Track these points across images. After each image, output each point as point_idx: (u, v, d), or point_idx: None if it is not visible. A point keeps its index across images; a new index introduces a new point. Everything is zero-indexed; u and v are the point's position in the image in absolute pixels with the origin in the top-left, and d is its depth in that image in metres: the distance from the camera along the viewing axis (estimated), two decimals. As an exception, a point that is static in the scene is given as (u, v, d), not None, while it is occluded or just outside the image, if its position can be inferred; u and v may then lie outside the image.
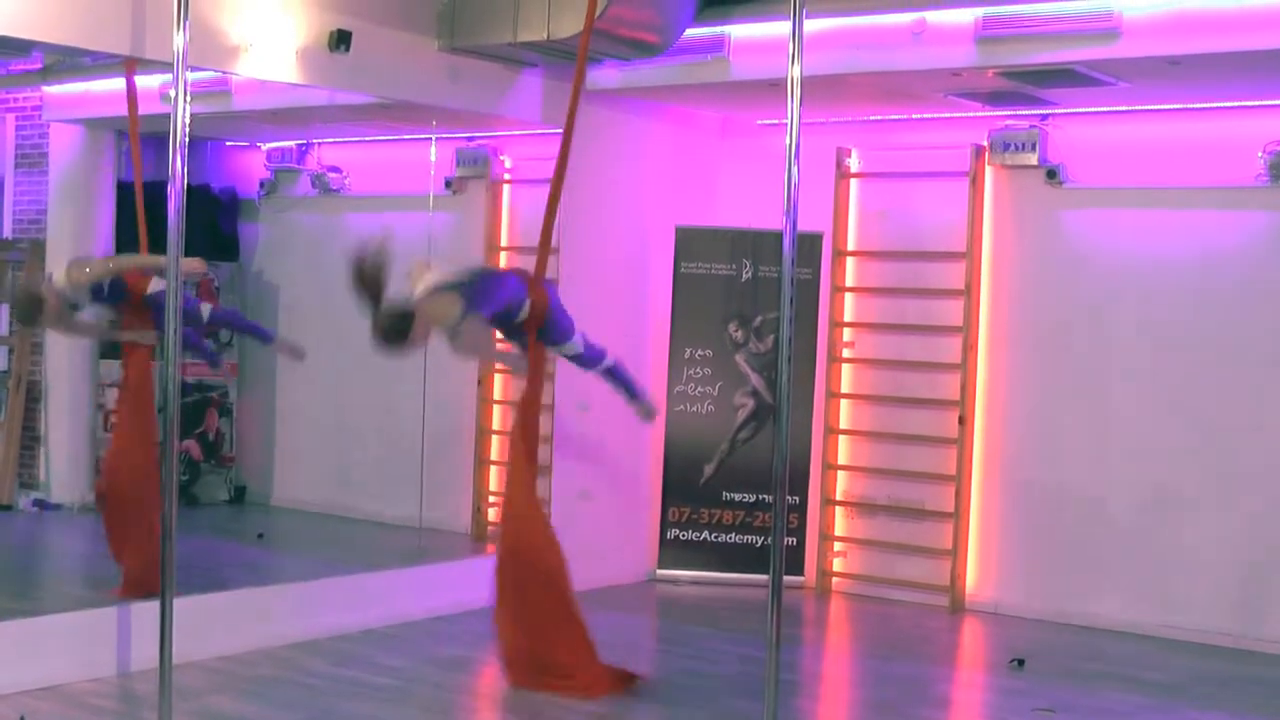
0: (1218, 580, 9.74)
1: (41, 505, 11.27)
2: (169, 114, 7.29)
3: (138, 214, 9.36)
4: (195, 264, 8.93)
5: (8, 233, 11.65)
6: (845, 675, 9.28)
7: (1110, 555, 10.13)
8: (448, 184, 11.41)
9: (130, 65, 9.06)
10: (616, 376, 8.77)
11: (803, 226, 7.26)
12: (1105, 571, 10.14)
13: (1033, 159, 10.32)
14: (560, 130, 10.49)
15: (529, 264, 11.13)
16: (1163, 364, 10.00)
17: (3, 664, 7.64)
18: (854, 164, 11.22)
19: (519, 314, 8.06)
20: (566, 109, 10.38)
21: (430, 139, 11.00)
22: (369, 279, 7.57)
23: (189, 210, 7.40)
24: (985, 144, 10.55)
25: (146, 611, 7.77)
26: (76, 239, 11.06)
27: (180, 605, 7.52)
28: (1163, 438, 9.97)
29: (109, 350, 10.56)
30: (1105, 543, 10.15)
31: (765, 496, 11.11)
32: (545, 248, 8.39)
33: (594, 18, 8.34)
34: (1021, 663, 8.97)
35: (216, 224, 12.26)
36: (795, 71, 6.84)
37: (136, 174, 9.34)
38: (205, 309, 10.34)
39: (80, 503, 11.37)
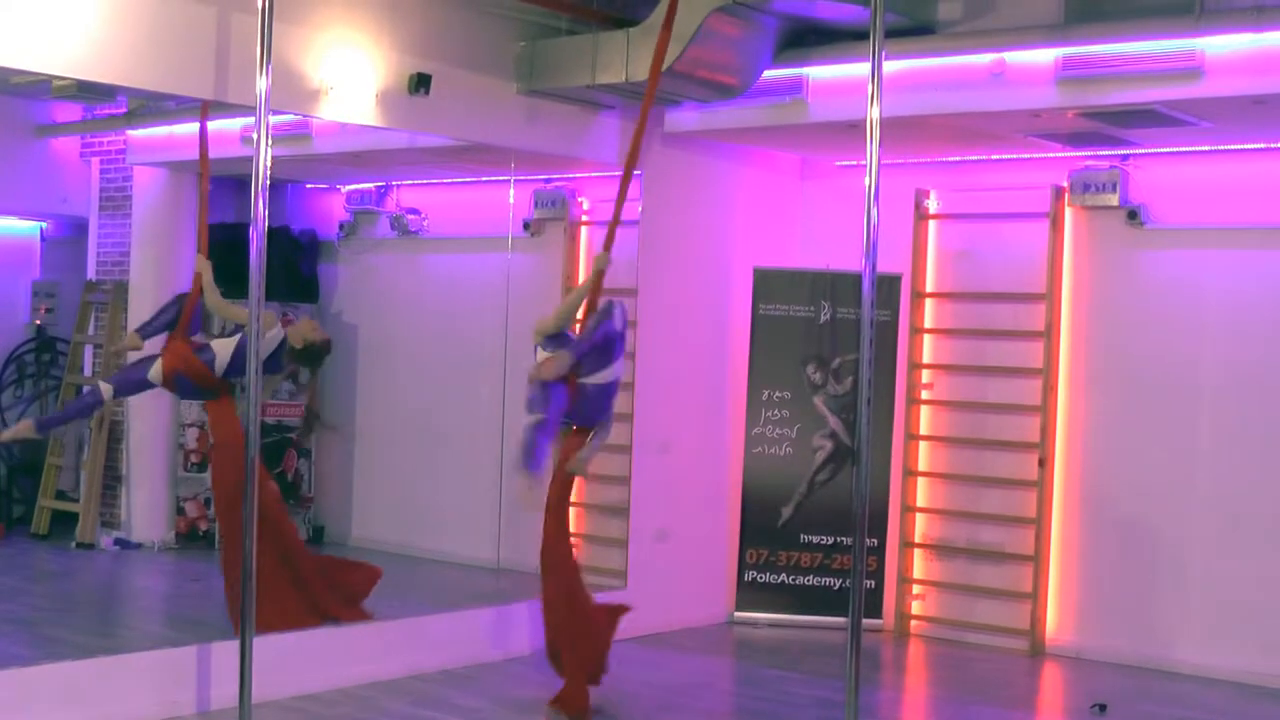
0: (1304, 626, 9.62)
1: (123, 544, 11.38)
2: (250, 157, 7.38)
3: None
4: None
5: (92, 274, 11.81)
6: (923, 719, 9.21)
7: (1194, 599, 10.00)
8: (526, 225, 11.44)
9: (205, 109, 9.16)
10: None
11: (882, 268, 7.25)
12: (1188, 616, 10.02)
13: (1113, 199, 10.25)
14: (639, 171, 10.58)
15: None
16: (1245, 406, 9.88)
17: (85, 701, 7.69)
18: (933, 205, 11.17)
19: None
20: (645, 149, 10.45)
21: (508, 181, 11.05)
22: None
23: (269, 252, 7.50)
24: (1065, 185, 10.49)
25: (226, 650, 7.83)
26: (159, 281, 11.19)
27: (259, 644, 7.58)
28: (1246, 480, 9.85)
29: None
30: (1188, 586, 10.03)
31: (843, 539, 11.05)
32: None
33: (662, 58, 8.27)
34: (1103, 708, 8.86)
35: (296, 266, 12.36)
36: (874, 113, 6.85)
37: (202, 215, 9.37)
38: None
39: (160, 542, 11.47)
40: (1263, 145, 9.74)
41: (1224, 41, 8.12)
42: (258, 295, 7.45)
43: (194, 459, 11.65)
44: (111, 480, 11.58)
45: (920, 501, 11.15)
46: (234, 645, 7.55)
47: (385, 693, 8.69)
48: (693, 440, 11.04)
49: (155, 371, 8.93)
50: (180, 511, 11.65)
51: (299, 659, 8.62)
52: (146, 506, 11.56)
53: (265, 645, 7.84)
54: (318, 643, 8.87)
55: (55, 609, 10.14)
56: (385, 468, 12.47)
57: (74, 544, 11.47)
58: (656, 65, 8.00)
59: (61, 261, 12.37)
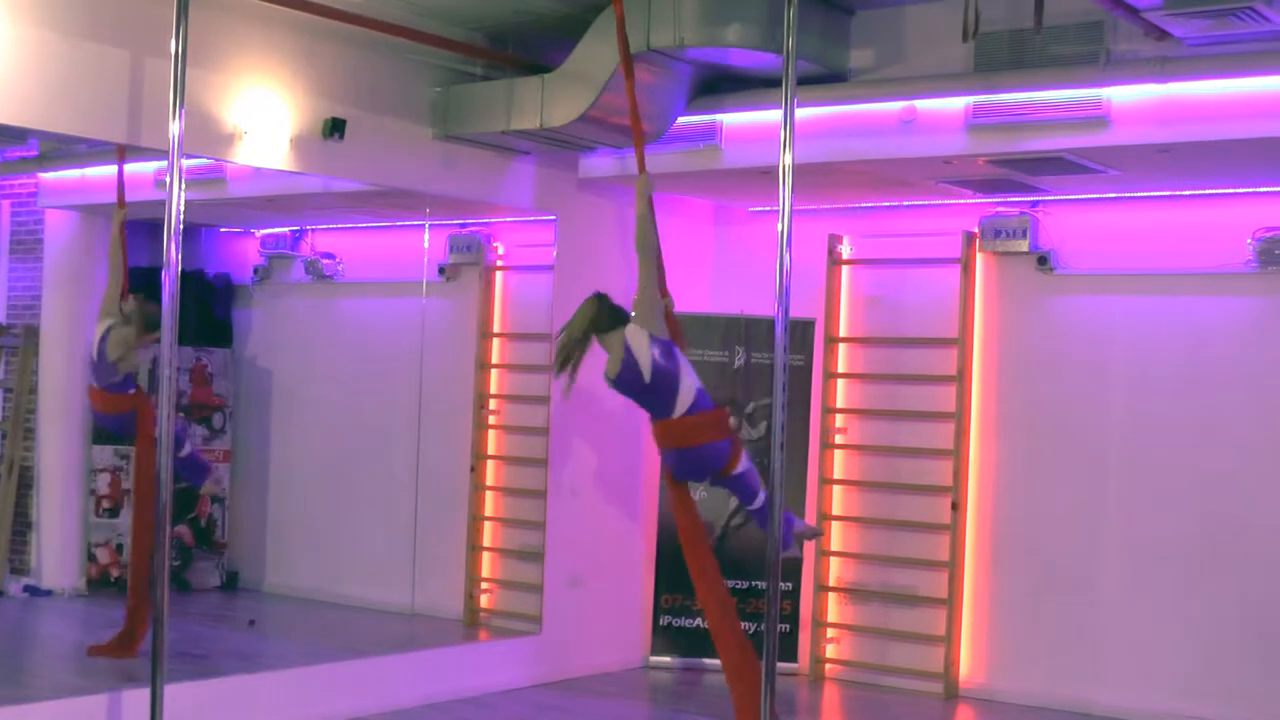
0: (1214, 664, 9.70)
1: (33, 591, 11.23)
2: (164, 200, 7.36)
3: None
4: None
5: (2, 318, 11.67)
6: (839, 763, 9.24)
7: (1105, 640, 10.09)
8: (441, 270, 11.44)
9: (121, 152, 9.11)
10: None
11: (795, 313, 7.32)
12: (1100, 657, 10.11)
13: (1024, 245, 10.37)
14: (554, 217, 10.59)
15: (525, 350, 11.24)
16: (1154, 448, 10.00)
17: (-9, 752, 7.61)
18: (846, 251, 11.27)
19: None
20: (560, 194, 10.47)
21: (424, 226, 11.05)
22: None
23: (182, 296, 7.47)
24: (976, 231, 10.61)
25: (137, 699, 7.75)
26: (71, 324, 11.07)
27: (171, 692, 7.51)
28: (1155, 521, 9.96)
29: (101, 436, 10.54)
30: (1100, 628, 10.12)
31: (758, 583, 11.07)
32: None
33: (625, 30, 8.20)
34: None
35: (210, 310, 12.27)
36: (787, 159, 6.93)
37: (114, 258, 9.32)
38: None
39: (72, 589, 11.33)
40: (1168, 193, 9.88)
41: (1129, 91, 8.24)
42: (170, 339, 7.41)
43: (106, 504, 11.53)
44: (21, 526, 11.44)
45: (834, 545, 11.19)
46: (145, 693, 7.47)
47: (298, 740, 8.64)
48: (607, 484, 11.04)
49: None
50: (91, 558, 11.50)
51: (212, 707, 8.54)
52: (57, 552, 11.40)
53: (177, 693, 7.77)
54: (230, 691, 8.80)
55: (-37, 657, 10.00)
56: (299, 513, 12.38)
57: (-18, 591, 11.32)
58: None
59: (-30, 305, 12.23)
